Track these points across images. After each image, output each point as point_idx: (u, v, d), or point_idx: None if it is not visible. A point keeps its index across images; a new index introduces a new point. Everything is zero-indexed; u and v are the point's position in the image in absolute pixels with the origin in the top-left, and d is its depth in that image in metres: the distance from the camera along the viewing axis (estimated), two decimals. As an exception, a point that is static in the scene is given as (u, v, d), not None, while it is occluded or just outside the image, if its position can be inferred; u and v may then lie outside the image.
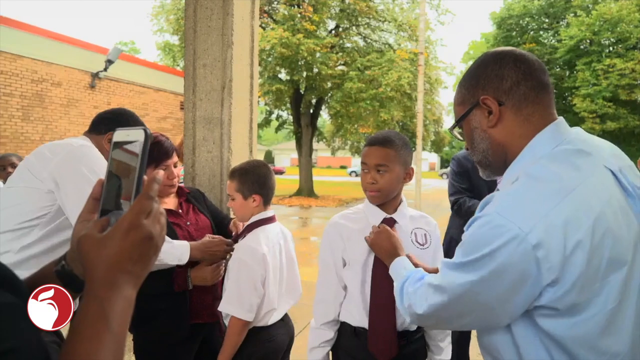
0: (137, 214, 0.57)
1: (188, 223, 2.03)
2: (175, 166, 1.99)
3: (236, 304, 1.75)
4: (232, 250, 1.94)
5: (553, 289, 0.83)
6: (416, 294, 1.06)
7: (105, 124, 1.84)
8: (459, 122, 1.06)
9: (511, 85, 0.96)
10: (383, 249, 1.46)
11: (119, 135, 0.64)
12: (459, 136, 1.11)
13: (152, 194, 0.58)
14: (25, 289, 0.56)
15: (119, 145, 0.63)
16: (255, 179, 1.88)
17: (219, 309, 1.82)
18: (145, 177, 0.60)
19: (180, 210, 2.06)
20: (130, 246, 0.56)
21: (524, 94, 0.96)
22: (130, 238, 0.56)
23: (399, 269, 1.34)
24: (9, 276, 0.55)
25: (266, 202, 1.91)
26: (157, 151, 1.90)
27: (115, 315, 0.54)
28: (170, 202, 2.05)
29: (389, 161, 1.54)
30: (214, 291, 2.00)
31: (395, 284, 1.27)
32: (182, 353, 1.95)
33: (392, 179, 1.55)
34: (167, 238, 1.80)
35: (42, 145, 1.76)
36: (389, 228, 1.52)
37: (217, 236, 1.98)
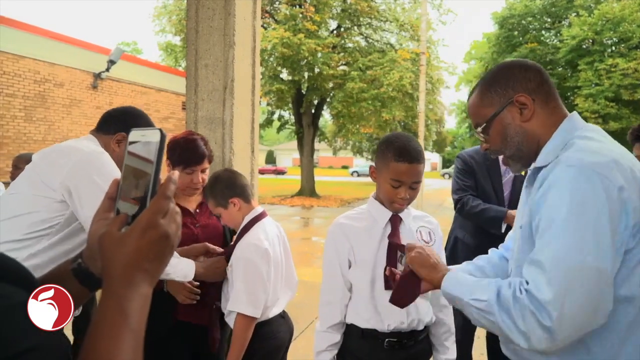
0: (154, 213, 0.58)
1: (197, 225, 2.04)
2: (202, 172, 1.99)
3: (245, 302, 1.76)
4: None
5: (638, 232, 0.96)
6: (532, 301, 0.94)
7: (114, 124, 1.78)
8: (491, 120, 1.19)
9: (537, 85, 1.16)
10: (425, 266, 1.27)
11: (135, 135, 0.65)
12: (481, 136, 1.23)
13: (168, 193, 0.59)
14: None
15: (134, 145, 0.64)
16: (223, 186, 1.90)
17: (228, 308, 1.82)
18: (161, 178, 0.61)
19: (197, 210, 2.08)
20: (147, 245, 0.57)
21: (547, 92, 1.16)
22: (147, 237, 0.57)
23: (465, 284, 1.13)
24: (28, 277, 0.56)
25: (247, 200, 1.93)
26: (190, 154, 1.90)
27: (133, 312, 0.55)
28: (193, 201, 2.09)
29: (422, 174, 1.56)
30: (206, 295, 1.97)
31: (480, 303, 1.04)
32: (174, 351, 1.94)
33: (419, 188, 1.58)
34: (175, 254, 1.79)
35: (48, 148, 1.69)
36: (424, 248, 1.33)
37: (199, 245, 1.96)
